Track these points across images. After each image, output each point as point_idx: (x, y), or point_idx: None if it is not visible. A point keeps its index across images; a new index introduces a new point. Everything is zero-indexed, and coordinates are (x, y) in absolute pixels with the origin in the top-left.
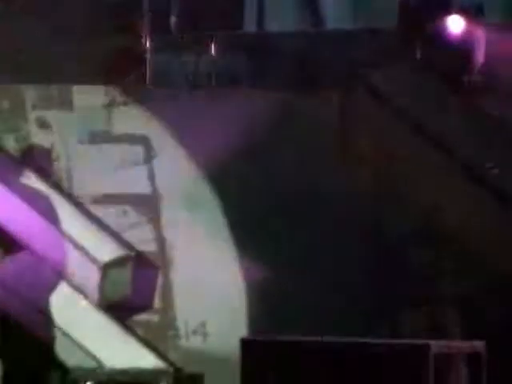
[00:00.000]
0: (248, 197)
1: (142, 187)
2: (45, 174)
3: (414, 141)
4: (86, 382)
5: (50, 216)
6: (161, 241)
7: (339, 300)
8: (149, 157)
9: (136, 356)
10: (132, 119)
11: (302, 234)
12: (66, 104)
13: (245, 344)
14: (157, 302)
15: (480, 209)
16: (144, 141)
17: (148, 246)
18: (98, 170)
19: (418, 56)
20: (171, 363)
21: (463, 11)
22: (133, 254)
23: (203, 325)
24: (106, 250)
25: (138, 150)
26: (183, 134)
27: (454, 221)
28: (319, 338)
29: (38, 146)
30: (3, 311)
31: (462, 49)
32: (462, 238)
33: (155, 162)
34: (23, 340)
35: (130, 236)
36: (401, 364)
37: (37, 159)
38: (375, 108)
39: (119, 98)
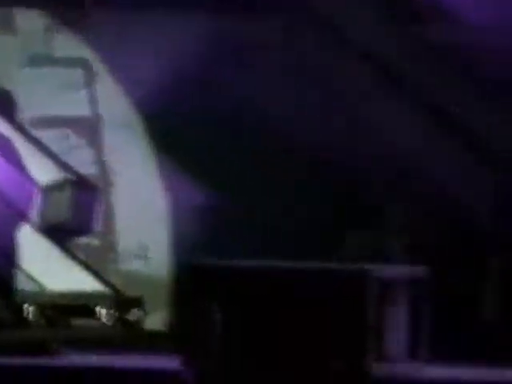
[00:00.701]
0: (189, 119)
1: (83, 110)
2: None
3: (360, 69)
4: (26, 304)
5: None
6: (102, 164)
7: (283, 225)
8: (89, 80)
9: (77, 279)
10: (73, 42)
11: (244, 160)
12: (7, 27)
13: (182, 268)
14: (98, 226)
15: (428, 138)
16: (85, 64)
17: (89, 170)
18: (40, 94)
19: None
20: (112, 286)
21: None
22: (74, 177)
23: (144, 248)
24: (47, 173)
25: (79, 73)
26: (123, 58)
27: (402, 149)
28: (260, 263)
29: None
30: None
31: None
32: (409, 164)
33: (96, 85)
34: None
35: (72, 159)
36: (342, 289)
37: None
38: (321, 34)
39: (60, 22)
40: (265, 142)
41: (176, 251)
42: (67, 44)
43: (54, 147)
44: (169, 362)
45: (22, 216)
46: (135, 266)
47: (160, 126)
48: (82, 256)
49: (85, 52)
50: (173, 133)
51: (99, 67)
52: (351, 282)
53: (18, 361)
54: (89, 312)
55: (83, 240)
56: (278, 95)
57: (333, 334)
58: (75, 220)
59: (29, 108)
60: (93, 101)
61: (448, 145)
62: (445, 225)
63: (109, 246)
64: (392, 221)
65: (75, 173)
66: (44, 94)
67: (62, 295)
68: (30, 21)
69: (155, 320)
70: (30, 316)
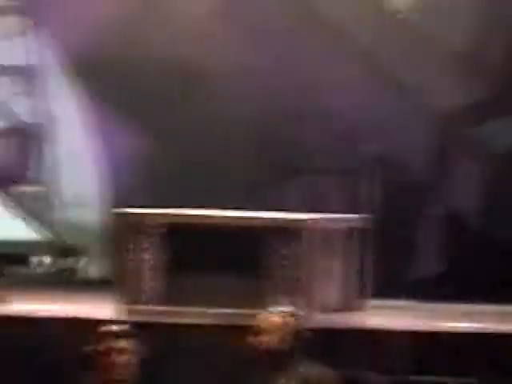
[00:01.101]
0: (127, 66)
1: (23, 59)
2: None
3: None
4: None
5: None
6: (46, 113)
7: (217, 173)
8: (28, 29)
9: (15, 227)
10: None
11: (179, 109)
12: None
13: (116, 215)
14: (42, 174)
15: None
16: (23, 12)
17: (34, 118)
18: None
19: None
20: (50, 235)
21: None
22: (15, 125)
23: (88, 197)
24: None
25: (22, 21)
26: (62, 6)
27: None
28: (193, 210)
29: None
30: None
31: None
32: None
33: (35, 33)
34: None
35: (15, 108)
36: (279, 237)
37: None
38: None
39: None
40: (197, 91)
41: (112, 199)
42: None
43: None
44: (105, 310)
45: None
46: (73, 214)
47: (99, 74)
48: (26, 204)
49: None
50: (110, 80)
51: (39, 15)
52: (287, 230)
53: None
54: (27, 260)
55: (27, 188)
56: (215, 49)
57: (266, 283)
58: (19, 168)
59: None
60: (32, 49)
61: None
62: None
63: (52, 195)
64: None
65: (16, 121)
66: None
67: (2, 243)
68: None
69: (92, 268)
70: None
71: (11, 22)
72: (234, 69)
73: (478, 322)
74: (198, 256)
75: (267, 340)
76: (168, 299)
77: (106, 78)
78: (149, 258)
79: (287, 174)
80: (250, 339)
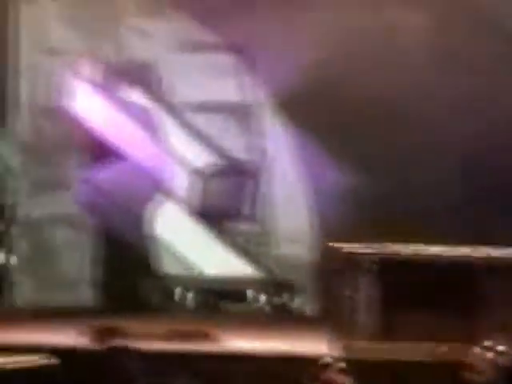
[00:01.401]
0: (336, 103)
1: (238, 96)
2: (145, 84)
3: None
4: (185, 290)
5: (150, 126)
6: (260, 150)
7: (425, 209)
8: (244, 66)
9: (231, 264)
10: (228, 26)
11: (396, 141)
12: (162, 12)
13: (330, 251)
14: (256, 211)
15: None
16: (240, 50)
17: (248, 156)
18: (199, 79)
19: None
20: (269, 271)
21: None
22: (233, 163)
23: (300, 233)
24: (206, 159)
25: (238, 58)
26: (281, 43)
27: None
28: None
29: (137, 58)
30: (101, 220)
31: None
32: None
33: (256, 70)
34: (121, 249)
35: (230, 145)
36: (495, 273)
37: (137, 71)
38: None
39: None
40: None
41: (324, 235)
42: (222, 29)
43: (213, 133)
44: (319, 346)
45: (179, 201)
46: (291, 250)
47: (309, 111)
48: (240, 241)
49: (242, 37)
50: (320, 117)
51: (257, 53)
52: (504, 266)
53: (169, 346)
54: (243, 296)
55: (241, 225)
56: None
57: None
58: (234, 206)
59: (188, 94)
60: (254, 87)
61: None
62: None
63: (266, 232)
64: None
65: (235, 159)
66: (204, 80)
67: (217, 280)
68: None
69: (306, 304)
70: (186, 300)
71: (226, 59)
72: (439, 103)
73: None
74: (412, 292)
75: (479, 376)
76: (381, 335)
77: (316, 115)
78: (361, 293)
79: (497, 207)
80: (463, 374)
